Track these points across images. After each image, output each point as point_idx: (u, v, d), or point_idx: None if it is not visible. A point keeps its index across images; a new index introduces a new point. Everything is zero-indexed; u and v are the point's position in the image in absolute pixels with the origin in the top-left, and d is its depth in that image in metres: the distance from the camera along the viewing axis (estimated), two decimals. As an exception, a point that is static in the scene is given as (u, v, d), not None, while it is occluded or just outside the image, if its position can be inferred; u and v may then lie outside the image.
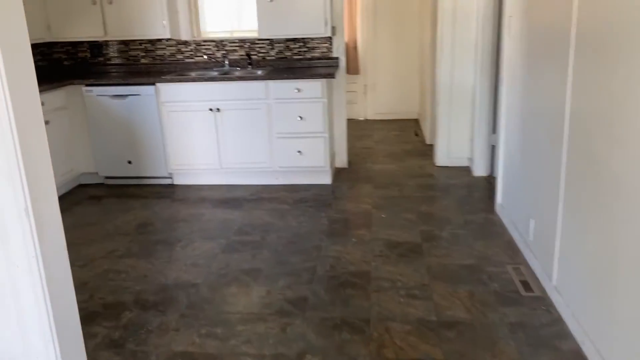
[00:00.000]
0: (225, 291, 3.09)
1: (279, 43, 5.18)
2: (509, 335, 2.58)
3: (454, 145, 5.22)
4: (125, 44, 5.33)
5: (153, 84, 4.75)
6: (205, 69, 5.24)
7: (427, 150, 5.83)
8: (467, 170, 5.13)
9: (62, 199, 4.75)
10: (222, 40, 5.27)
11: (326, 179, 4.90)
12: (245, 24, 5.57)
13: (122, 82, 4.81)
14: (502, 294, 2.95)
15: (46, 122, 4.48)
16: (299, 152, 4.74)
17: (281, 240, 3.74)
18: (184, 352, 2.55)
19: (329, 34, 4.87)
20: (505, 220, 3.83)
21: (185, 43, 5.29)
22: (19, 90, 1.68)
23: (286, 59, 5.21)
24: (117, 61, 5.38)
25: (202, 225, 4.07)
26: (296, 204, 4.43)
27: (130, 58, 5.36)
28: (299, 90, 4.60)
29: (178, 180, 5.04)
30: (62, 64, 5.42)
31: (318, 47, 5.16)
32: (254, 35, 5.20)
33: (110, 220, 4.23)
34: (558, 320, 2.68)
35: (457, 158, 5.24)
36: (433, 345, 2.53)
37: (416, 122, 7.47)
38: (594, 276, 2.36)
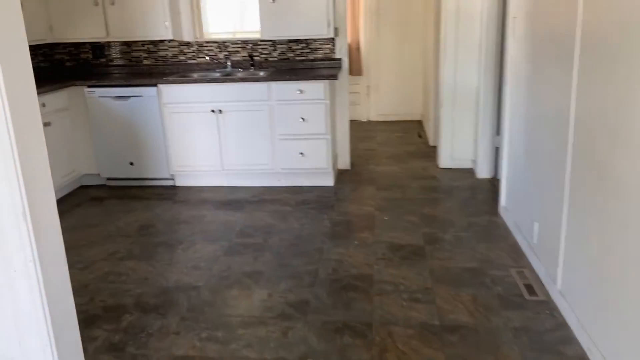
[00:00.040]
0: (226, 294, 3.07)
1: (281, 44, 5.16)
2: (512, 340, 2.55)
3: (458, 147, 5.19)
4: (128, 45, 5.32)
5: (155, 85, 4.73)
6: (208, 70, 5.22)
7: (431, 152, 5.80)
8: (470, 172, 5.10)
9: (63, 200, 4.75)
10: (224, 42, 5.25)
11: (328, 181, 4.87)
12: (247, 25, 5.55)
13: (124, 83, 4.80)
14: (506, 298, 2.91)
15: (48, 124, 4.50)
16: (301, 153, 4.72)
17: (283, 243, 3.71)
18: (185, 356, 2.53)
19: (331, 35, 4.85)
20: (509, 223, 3.80)
21: (188, 44, 5.27)
22: (16, 92, 1.65)
23: (289, 60, 5.19)
24: (119, 62, 5.36)
25: (203, 227, 4.05)
26: (298, 206, 4.41)
27: (133, 59, 5.35)
28: (301, 91, 4.58)
29: (180, 182, 5.02)
30: (64, 65, 5.41)
31: (321, 48, 5.14)
32: (256, 36, 5.18)
33: (112, 222, 4.21)
34: (563, 325, 2.65)
35: (461, 160, 5.21)
36: (436, 350, 2.50)
37: (419, 123, 7.43)
38: (599, 280, 2.33)
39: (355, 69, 7.50)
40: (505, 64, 4.05)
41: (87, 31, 5.00)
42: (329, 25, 4.78)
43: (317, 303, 2.94)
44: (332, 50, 5.13)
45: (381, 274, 3.23)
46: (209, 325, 2.77)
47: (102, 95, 4.81)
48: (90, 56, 5.38)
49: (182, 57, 5.31)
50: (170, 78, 4.78)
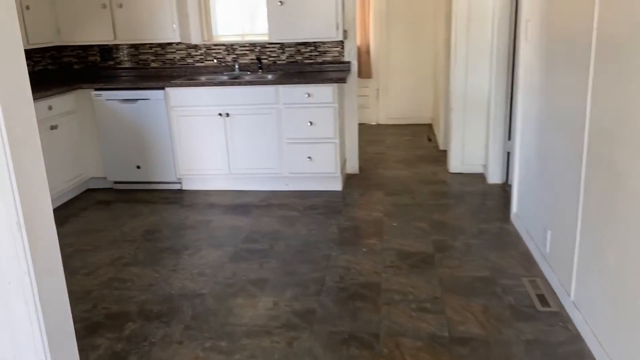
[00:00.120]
0: (231, 302, 3.01)
1: (289, 47, 5.11)
2: (524, 353, 2.47)
3: (468, 151, 5.10)
4: (135, 48, 5.29)
5: (162, 88, 4.70)
6: (215, 73, 5.18)
7: (441, 156, 5.71)
8: (481, 177, 5.01)
9: (70, 203, 4.72)
10: (232, 44, 5.21)
11: (336, 186, 4.81)
12: (256, 27, 5.50)
13: (131, 86, 4.77)
14: (518, 309, 2.83)
15: (55, 127, 4.48)
16: (309, 158, 4.66)
17: (290, 249, 3.65)
18: (187, 366, 2.48)
19: (340, 38, 4.79)
20: (521, 230, 3.71)
21: (196, 47, 5.24)
22: (11, 99, 1.60)
23: (297, 63, 5.13)
24: (127, 65, 5.34)
25: (210, 232, 4.00)
26: (306, 211, 4.35)
27: (140, 62, 5.32)
28: (309, 95, 4.52)
29: (187, 186, 4.98)
30: (72, 68, 5.40)
31: (329, 51, 5.08)
32: (264, 39, 5.13)
33: (118, 226, 4.18)
34: (577, 338, 2.57)
35: (472, 165, 5.12)
36: (445, 363, 2.43)
37: (429, 127, 7.35)
38: (615, 292, 2.24)
39: (365, 72, 7.43)
40: (517, 67, 3.97)
41: (94, 34, 4.98)
42: (337, 27, 4.71)
43: (324, 312, 2.87)
44: (341, 53, 5.07)
45: (389, 282, 3.16)
46: (213, 334, 2.71)
47: (109, 98, 4.78)
48: (98, 59, 5.36)
49: (189, 60, 5.27)
50: (177, 81, 4.74)
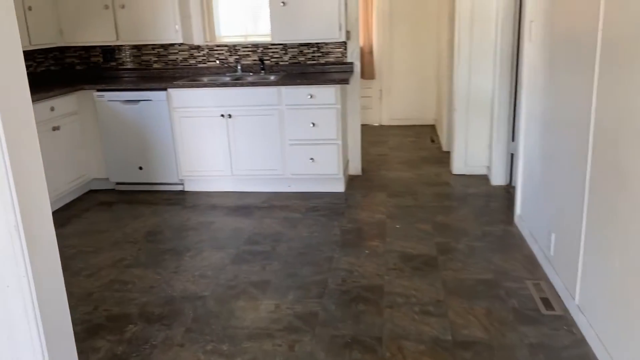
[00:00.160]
0: (232, 305, 2.99)
1: (292, 48, 5.09)
2: (528, 357, 2.44)
3: (472, 152, 5.07)
4: (138, 49, 5.28)
5: (165, 89, 4.69)
6: (218, 74, 5.16)
7: (444, 158, 5.68)
8: (485, 179, 4.98)
9: (72, 205, 4.72)
10: (235, 45, 5.19)
11: (339, 187, 4.79)
12: (258, 28, 5.49)
13: (134, 87, 4.76)
14: (522, 312, 2.80)
15: (57, 128, 4.47)
16: (312, 159, 4.64)
17: (292, 251, 3.63)
18: (188, 369, 2.46)
19: (343, 39, 4.77)
20: (525, 233, 3.68)
21: (198, 48, 5.22)
22: (9, 99, 1.59)
23: (300, 64, 5.11)
24: (129, 66, 5.33)
25: (211, 233, 3.99)
26: (308, 212, 4.33)
27: (143, 63, 5.31)
28: (312, 96, 4.51)
29: (189, 187, 4.96)
30: (74, 69, 5.39)
31: (332, 52, 5.06)
32: (267, 40, 5.11)
33: (120, 228, 4.16)
34: (581, 342, 2.54)
35: (475, 166, 5.09)
36: (448, 367, 2.40)
37: (432, 128, 7.32)
38: (621, 295, 2.21)
39: (368, 73, 7.41)
40: (521, 68, 3.94)
41: (97, 35, 4.97)
42: (340, 28, 4.69)
43: (326, 315, 2.85)
44: (344, 54, 5.05)
45: (392, 285, 3.14)
46: (214, 337, 2.69)
47: (112, 99, 4.77)
48: (101, 60, 5.35)
49: (192, 61, 5.26)
50: (179, 82, 4.73)
